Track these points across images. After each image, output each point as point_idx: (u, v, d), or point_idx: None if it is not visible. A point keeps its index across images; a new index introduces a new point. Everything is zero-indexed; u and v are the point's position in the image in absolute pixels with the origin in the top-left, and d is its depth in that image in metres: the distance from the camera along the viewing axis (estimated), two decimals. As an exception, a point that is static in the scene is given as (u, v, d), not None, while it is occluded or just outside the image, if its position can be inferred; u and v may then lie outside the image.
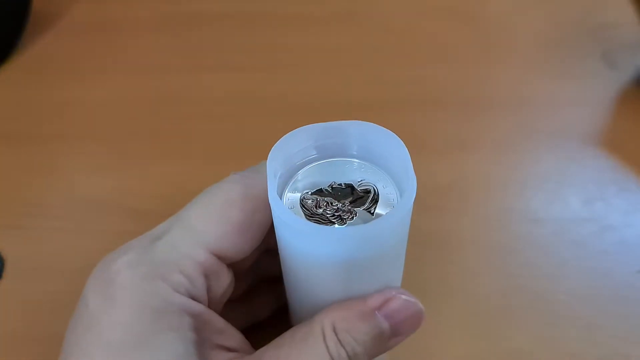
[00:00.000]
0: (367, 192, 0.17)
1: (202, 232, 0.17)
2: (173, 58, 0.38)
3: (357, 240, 0.15)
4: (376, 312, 0.17)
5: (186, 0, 0.42)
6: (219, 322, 0.18)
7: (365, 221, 0.16)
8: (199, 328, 0.17)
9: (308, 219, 0.16)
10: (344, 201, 0.17)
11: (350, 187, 0.17)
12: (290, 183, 0.17)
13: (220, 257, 0.18)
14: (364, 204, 0.17)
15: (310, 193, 0.17)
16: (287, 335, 0.17)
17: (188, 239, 0.17)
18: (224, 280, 0.18)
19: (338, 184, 0.17)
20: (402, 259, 0.18)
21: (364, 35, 0.39)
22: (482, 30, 0.39)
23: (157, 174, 0.32)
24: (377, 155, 0.17)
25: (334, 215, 0.16)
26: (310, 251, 0.16)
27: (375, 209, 0.17)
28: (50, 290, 0.28)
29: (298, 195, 0.17)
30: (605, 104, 0.35)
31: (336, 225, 0.16)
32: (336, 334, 0.16)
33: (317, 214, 0.16)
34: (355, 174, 0.17)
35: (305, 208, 0.17)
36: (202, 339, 0.17)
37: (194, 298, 0.17)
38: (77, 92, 0.37)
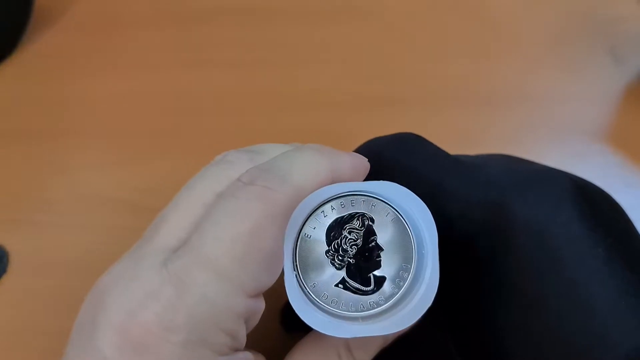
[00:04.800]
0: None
1: (236, 276, 0.15)
2: (178, 54, 0.38)
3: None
4: None
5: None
6: None
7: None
8: None
9: (326, 252, 0.16)
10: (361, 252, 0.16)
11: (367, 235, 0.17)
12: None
13: (258, 295, 0.16)
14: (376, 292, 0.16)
15: (340, 222, 0.17)
16: None
17: (224, 288, 0.15)
18: (260, 312, 0.16)
19: (363, 247, 0.16)
20: None
21: (367, 31, 0.39)
22: (486, 24, 0.39)
23: (163, 170, 0.32)
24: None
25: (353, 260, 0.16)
26: None
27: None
28: (53, 285, 0.28)
29: (327, 223, 0.16)
30: (612, 100, 0.34)
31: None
32: (351, 352, 0.17)
33: (334, 256, 0.16)
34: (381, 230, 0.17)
35: (328, 238, 0.16)
36: None
37: (235, 349, 0.16)
38: (82, 88, 0.37)
